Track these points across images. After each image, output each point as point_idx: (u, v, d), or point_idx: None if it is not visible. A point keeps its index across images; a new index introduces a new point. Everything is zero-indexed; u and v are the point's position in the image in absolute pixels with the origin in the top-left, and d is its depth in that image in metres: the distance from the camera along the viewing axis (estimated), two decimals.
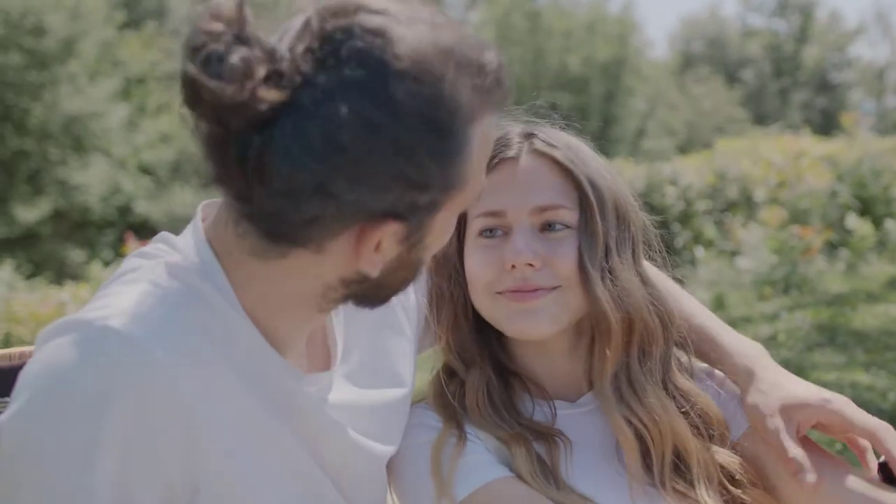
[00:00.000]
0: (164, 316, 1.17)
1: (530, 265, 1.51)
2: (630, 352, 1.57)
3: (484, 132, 1.20)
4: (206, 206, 1.33)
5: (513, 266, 1.51)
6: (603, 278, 1.54)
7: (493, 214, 1.55)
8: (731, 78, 43.05)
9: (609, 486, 1.51)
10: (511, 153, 1.56)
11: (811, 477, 1.46)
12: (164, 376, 1.14)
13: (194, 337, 1.19)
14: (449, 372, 1.62)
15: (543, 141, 1.58)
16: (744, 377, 1.59)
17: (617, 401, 1.55)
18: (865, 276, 8.35)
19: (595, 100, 33.13)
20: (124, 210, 23.70)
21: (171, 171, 24.52)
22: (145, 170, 24.47)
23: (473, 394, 1.56)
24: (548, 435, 1.53)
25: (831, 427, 1.53)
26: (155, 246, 1.29)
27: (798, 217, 9.62)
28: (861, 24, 49.82)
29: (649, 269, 1.67)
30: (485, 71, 1.17)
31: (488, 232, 1.56)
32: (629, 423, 1.53)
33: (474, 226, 1.57)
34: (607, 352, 1.55)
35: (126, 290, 1.20)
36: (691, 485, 1.50)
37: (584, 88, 33.22)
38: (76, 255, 21.81)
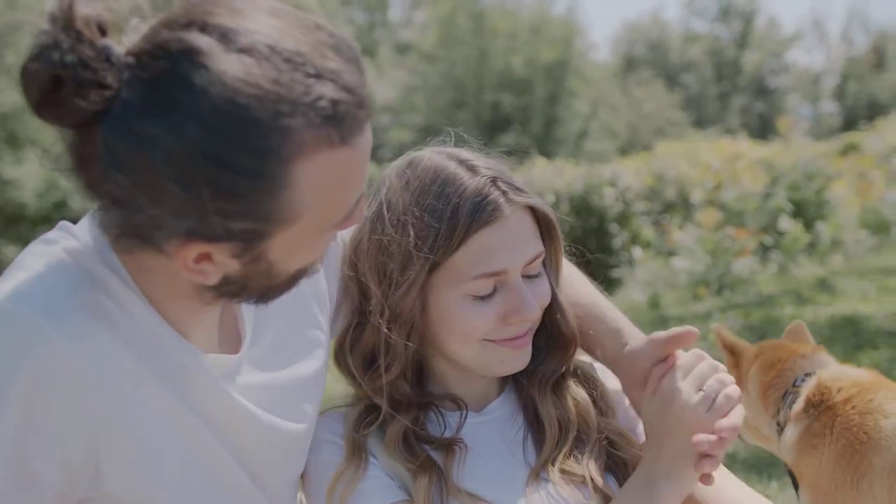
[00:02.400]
0: (59, 297, 1.20)
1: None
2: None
3: (322, 165, 1.13)
4: None
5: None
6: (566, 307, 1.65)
7: (496, 275, 1.53)
8: (673, 82, 43.63)
9: (506, 485, 1.56)
10: (505, 213, 1.52)
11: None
12: (61, 355, 1.17)
13: (90, 317, 1.22)
14: (371, 406, 1.61)
15: (513, 187, 1.55)
16: (613, 336, 1.66)
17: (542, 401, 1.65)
18: (795, 277, 8.54)
19: (538, 101, 33.30)
20: (60, 206, 23.23)
21: None
22: None
23: (393, 434, 1.56)
24: (448, 444, 1.58)
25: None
26: (56, 233, 1.31)
27: (733, 219, 9.80)
28: (798, 31, 50.87)
29: None
30: (315, 107, 1.10)
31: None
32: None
33: (471, 286, 1.52)
34: (563, 368, 1.67)
35: (23, 275, 1.22)
36: (578, 461, 1.58)
37: (527, 90, 33.38)
38: (9, 251, 21.31)
